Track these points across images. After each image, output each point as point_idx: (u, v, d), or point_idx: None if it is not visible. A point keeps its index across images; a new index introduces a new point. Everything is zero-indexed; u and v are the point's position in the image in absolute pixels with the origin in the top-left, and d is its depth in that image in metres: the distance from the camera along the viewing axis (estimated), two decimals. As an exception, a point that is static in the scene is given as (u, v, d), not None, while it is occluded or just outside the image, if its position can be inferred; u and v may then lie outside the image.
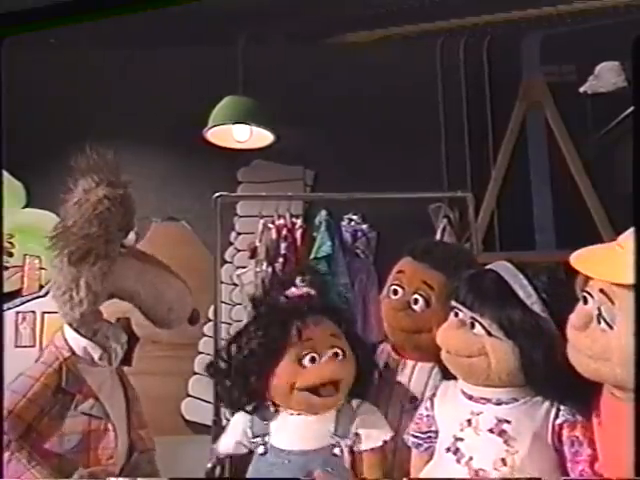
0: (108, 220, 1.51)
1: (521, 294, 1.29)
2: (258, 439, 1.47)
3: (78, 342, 1.60)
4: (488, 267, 1.39)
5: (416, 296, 1.51)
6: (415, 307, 1.51)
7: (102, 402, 1.60)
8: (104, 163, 1.56)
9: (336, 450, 1.43)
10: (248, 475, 1.48)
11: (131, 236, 1.56)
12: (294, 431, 1.46)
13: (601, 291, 1.11)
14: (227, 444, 1.53)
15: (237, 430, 1.51)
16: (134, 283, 1.60)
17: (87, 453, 1.57)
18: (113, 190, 1.54)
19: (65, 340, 1.61)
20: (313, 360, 1.43)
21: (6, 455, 1.47)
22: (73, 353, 1.59)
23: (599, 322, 1.12)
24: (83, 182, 1.54)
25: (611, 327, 1.10)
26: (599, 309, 1.12)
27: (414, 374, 1.55)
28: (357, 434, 1.44)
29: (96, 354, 1.60)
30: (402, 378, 1.56)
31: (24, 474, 1.48)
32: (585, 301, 1.16)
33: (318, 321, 1.46)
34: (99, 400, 1.60)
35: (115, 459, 1.59)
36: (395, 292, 1.55)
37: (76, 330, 1.59)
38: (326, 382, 1.42)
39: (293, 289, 1.49)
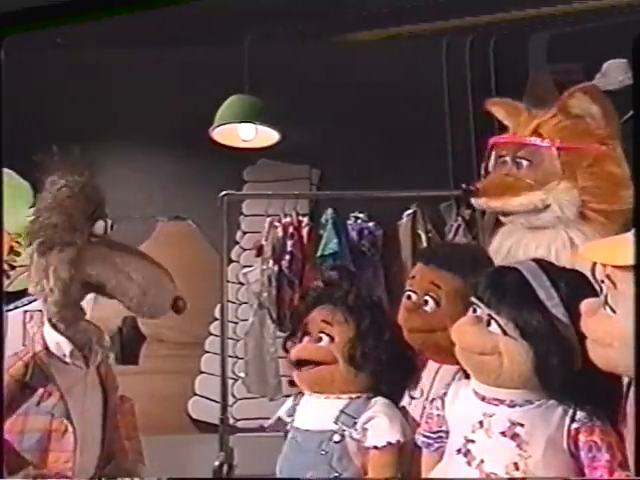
0: (70, 208, 1.56)
1: (542, 295, 1.25)
2: (290, 417, 1.59)
3: (52, 337, 1.60)
4: (512, 265, 1.36)
5: (426, 297, 1.54)
6: (426, 308, 1.54)
7: (67, 402, 1.58)
8: (67, 158, 1.62)
9: (336, 437, 1.48)
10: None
11: (99, 224, 1.58)
12: (306, 410, 1.58)
13: (607, 277, 1.11)
14: (274, 419, 1.65)
15: (284, 407, 1.64)
16: (102, 269, 1.60)
17: (45, 453, 1.56)
18: (72, 178, 1.58)
19: (42, 335, 1.62)
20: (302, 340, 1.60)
21: None
22: (46, 348, 1.60)
23: (605, 308, 1.11)
24: (50, 177, 1.61)
25: (614, 312, 1.09)
26: (606, 296, 1.11)
27: (438, 376, 1.55)
28: (365, 429, 1.48)
29: (67, 350, 1.59)
30: (426, 380, 1.57)
31: None
32: (601, 290, 1.15)
33: (321, 308, 1.60)
34: (64, 399, 1.58)
35: (72, 464, 1.56)
36: (409, 297, 1.58)
37: (53, 325, 1.60)
38: (300, 359, 1.57)
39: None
